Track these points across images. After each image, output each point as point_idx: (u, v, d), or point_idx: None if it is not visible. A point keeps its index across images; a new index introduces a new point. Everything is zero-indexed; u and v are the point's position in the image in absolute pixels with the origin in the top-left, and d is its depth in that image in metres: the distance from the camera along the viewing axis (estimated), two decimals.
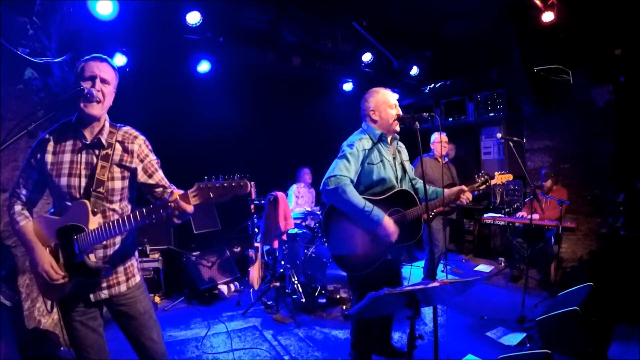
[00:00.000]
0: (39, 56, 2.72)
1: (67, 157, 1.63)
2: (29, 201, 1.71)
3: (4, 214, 2.16)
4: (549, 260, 4.31)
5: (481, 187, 2.60)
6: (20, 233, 1.63)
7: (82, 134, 1.65)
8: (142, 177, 1.72)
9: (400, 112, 2.44)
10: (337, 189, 2.20)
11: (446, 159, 4.53)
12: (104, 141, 1.65)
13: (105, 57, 1.66)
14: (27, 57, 2.61)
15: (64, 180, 1.61)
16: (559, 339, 2.49)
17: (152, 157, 1.77)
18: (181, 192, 1.52)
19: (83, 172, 1.63)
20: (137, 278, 1.80)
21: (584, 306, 2.41)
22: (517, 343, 3.04)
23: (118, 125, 1.75)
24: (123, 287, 1.73)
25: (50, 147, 1.64)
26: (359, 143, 2.35)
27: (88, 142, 1.64)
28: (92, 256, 1.61)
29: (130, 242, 1.79)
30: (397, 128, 2.44)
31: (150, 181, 1.73)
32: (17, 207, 1.68)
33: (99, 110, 1.63)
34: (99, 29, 3.34)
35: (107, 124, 1.70)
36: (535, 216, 4.34)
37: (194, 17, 3.71)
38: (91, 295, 1.67)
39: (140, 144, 1.74)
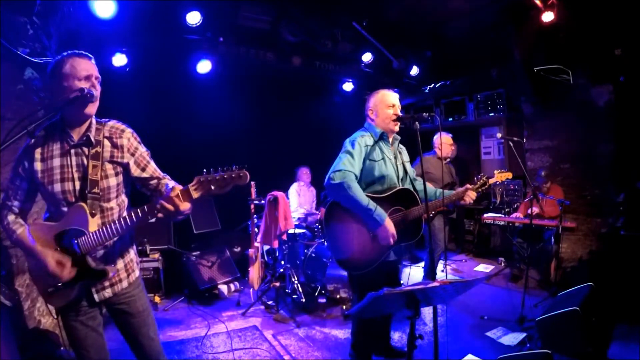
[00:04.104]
0: (39, 56, 2.72)
1: (56, 162, 1.58)
2: (22, 211, 1.65)
3: None
4: (548, 260, 4.30)
5: (480, 189, 2.61)
6: (19, 241, 1.58)
7: (68, 134, 1.59)
8: (135, 171, 1.70)
9: (399, 113, 2.46)
10: (342, 184, 2.21)
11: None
12: (92, 138, 1.61)
13: (89, 54, 1.63)
14: (27, 57, 2.61)
15: (57, 187, 1.57)
16: (559, 339, 2.49)
17: (142, 149, 1.74)
18: (181, 187, 1.52)
19: (75, 175, 1.59)
20: (137, 273, 1.80)
21: (584, 306, 2.41)
22: (517, 343, 3.04)
23: (103, 120, 1.70)
24: (125, 284, 1.72)
25: (38, 153, 1.58)
26: (361, 139, 2.39)
27: (75, 142, 1.59)
28: (94, 257, 1.60)
29: (129, 238, 1.78)
30: (396, 128, 2.46)
31: (144, 174, 1.72)
32: (11, 217, 1.62)
33: (94, 109, 1.61)
34: (99, 28, 3.35)
35: (94, 121, 1.65)
36: (535, 209, 4.32)
37: (194, 17, 3.71)
38: (95, 296, 1.66)
39: (128, 137, 1.70)
